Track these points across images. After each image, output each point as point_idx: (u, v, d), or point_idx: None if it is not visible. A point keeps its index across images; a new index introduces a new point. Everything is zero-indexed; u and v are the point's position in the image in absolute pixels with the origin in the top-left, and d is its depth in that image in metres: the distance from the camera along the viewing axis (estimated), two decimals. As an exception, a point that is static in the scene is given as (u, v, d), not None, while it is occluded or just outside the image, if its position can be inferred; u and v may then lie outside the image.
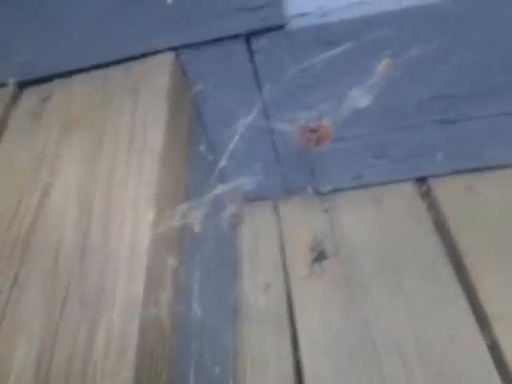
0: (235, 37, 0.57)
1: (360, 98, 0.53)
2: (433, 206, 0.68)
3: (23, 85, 0.59)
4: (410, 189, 0.70)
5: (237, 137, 0.54)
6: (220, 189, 0.49)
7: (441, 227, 0.65)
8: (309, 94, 0.58)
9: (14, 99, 0.58)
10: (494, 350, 0.53)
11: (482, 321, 0.55)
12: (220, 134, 0.60)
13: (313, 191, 0.73)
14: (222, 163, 0.53)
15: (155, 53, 0.58)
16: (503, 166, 0.68)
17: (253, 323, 0.60)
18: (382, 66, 0.53)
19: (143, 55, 0.58)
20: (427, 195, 0.69)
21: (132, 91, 0.55)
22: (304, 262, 0.65)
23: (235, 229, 0.71)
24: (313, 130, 0.58)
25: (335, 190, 0.72)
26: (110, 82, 0.57)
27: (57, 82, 0.59)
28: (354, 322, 0.58)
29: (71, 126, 0.53)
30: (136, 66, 0.58)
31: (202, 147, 0.60)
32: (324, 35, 0.56)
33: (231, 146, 0.55)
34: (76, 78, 0.59)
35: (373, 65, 0.54)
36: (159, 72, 0.56)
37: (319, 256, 0.60)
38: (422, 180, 0.70)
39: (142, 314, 0.34)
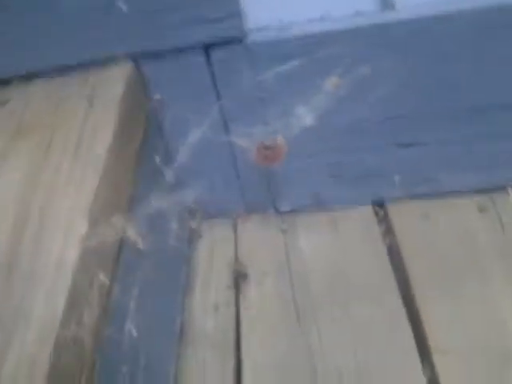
0: (194, 48, 0.56)
1: (306, 115, 0.53)
2: (388, 232, 0.68)
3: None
4: (367, 213, 0.70)
5: (192, 147, 0.53)
6: (164, 201, 0.48)
7: (394, 254, 0.65)
8: (264, 108, 0.58)
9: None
10: (433, 382, 0.53)
11: (424, 353, 0.55)
12: (177, 145, 0.60)
13: (274, 210, 0.72)
14: (172, 173, 0.53)
15: (114, 61, 0.57)
16: (459, 194, 0.68)
17: (198, 347, 0.59)
18: (331, 83, 0.53)
19: (103, 63, 0.57)
20: (384, 220, 0.69)
21: (87, 99, 0.54)
22: (255, 283, 0.64)
23: (191, 245, 0.70)
24: (268, 148, 0.58)
25: (295, 211, 0.71)
26: (67, 89, 0.57)
27: (16, 86, 0.58)
28: (299, 349, 0.57)
29: (23, 131, 0.52)
30: (94, 74, 0.57)
31: (157, 159, 0.59)
32: (281, 49, 0.56)
33: (185, 155, 0.54)
34: (35, 83, 0.59)
35: (323, 82, 0.54)
36: (115, 81, 0.55)
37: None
38: (379, 205, 0.70)
39: (58, 336, 0.33)
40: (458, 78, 0.58)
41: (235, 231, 0.71)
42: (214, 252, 0.69)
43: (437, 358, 0.53)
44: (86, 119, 0.51)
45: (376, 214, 0.70)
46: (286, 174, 0.68)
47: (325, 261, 0.65)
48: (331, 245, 0.67)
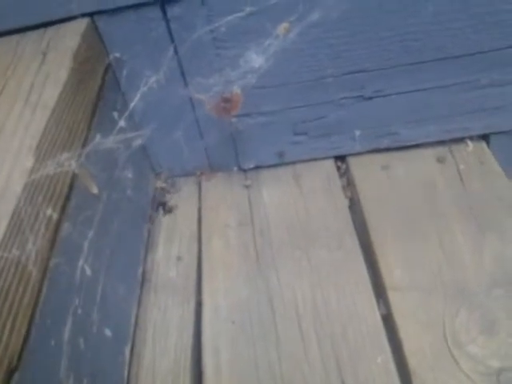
0: (150, 4, 0.57)
1: (261, 64, 0.54)
2: (349, 184, 0.69)
3: None
4: (329, 167, 0.71)
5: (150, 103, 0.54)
6: (116, 145, 0.49)
7: (354, 203, 0.66)
8: (219, 59, 0.59)
9: None
10: (387, 318, 0.54)
11: (379, 291, 0.56)
12: (133, 98, 0.60)
13: (237, 168, 0.74)
14: (123, 123, 0.54)
15: (70, 20, 0.58)
16: (419, 146, 0.69)
17: (160, 293, 0.61)
18: (282, 28, 0.54)
19: (60, 22, 0.58)
20: (345, 174, 0.71)
21: (41, 53, 0.55)
22: (218, 235, 0.65)
23: (155, 203, 0.71)
24: (226, 100, 0.59)
25: (258, 167, 0.73)
26: (23, 45, 0.58)
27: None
28: (259, 292, 0.58)
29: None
30: (50, 31, 0.58)
31: (115, 113, 0.60)
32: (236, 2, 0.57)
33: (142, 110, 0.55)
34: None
35: (273, 28, 0.55)
36: (70, 36, 0.56)
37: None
38: (341, 158, 0.72)
39: (-2, 254, 0.34)
40: (415, 29, 0.59)
41: (199, 189, 0.72)
42: (177, 209, 0.70)
43: (391, 295, 0.55)
44: (39, 70, 0.53)
45: (338, 168, 0.71)
46: (249, 132, 0.69)
47: (287, 212, 0.66)
48: (293, 198, 0.68)
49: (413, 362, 0.50)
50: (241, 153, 0.72)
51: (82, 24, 0.58)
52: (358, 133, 0.69)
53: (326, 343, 0.53)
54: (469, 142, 0.70)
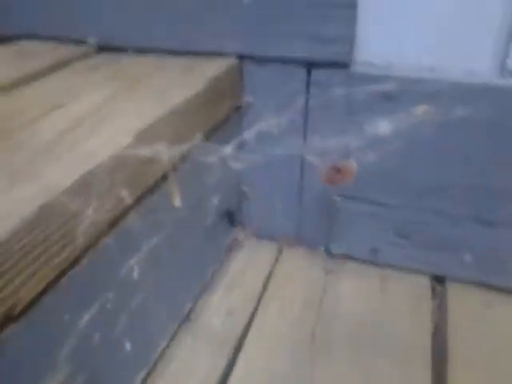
0: (297, 62, 0.59)
1: (384, 129, 0.51)
2: (440, 310, 0.60)
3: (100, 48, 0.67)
4: (423, 282, 0.63)
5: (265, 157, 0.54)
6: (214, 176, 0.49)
7: (438, 331, 0.57)
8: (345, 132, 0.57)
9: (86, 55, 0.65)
10: None
11: None
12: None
13: (324, 249, 0.69)
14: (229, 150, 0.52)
15: (222, 55, 0.62)
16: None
17: (198, 336, 0.56)
18: (420, 110, 0.51)
19: (211, 54, 0.62)
20: (439, 296, 0.62)
21: (188, 69, 0.59)
22: (277, 307, 0.60)
23: (230, 252, 0.69)
24: (338, 170, 0.56)
25: (346, 256, 0.67)
26: (172, 63, 0.62)
27: (130, 54, 0.66)
28: (300, 375, 0.51)
29: (120, 77, 0.57)
30: (199, 58, 0.62)
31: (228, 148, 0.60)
32: (382, 87, 0.56)
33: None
34: (147, 55, 0.65)
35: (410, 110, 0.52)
36: (216, 65, 0.59)
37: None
38: (439, 280, 0.64)
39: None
40: None
41: (279, 254, 0.68)
42: (249, 265, 0.67)
43: None
44: (173, 80, 0.55)
45: (432, 288, 0.63)
46: (349, 216, 0.65)
47: (361, 311, 0.59)
48: (374, 300, 0.61)
49: None
50: (333, 235, 0.67)
51: (230, 60, 0.61)
52: (468, 257, 0.61)
53: None
54: None
